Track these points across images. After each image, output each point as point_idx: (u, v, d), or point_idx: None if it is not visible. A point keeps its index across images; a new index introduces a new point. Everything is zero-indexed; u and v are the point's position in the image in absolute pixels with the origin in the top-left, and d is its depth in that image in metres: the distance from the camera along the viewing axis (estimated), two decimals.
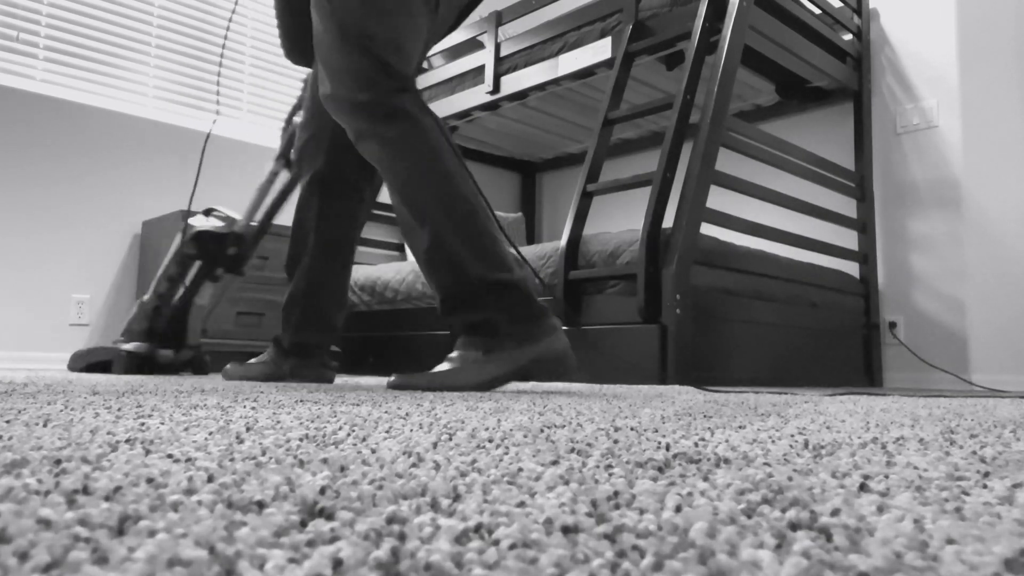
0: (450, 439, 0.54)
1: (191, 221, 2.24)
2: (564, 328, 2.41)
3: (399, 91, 1.47)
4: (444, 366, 1.43)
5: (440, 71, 3.65)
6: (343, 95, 1.48)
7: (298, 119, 2.00)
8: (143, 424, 0.59)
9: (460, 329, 1.46)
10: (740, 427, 0.71)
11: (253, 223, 2.26)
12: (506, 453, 0.47)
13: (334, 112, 1.53)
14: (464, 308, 1.43)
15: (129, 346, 2.19)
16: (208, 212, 2.29)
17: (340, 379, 2.18)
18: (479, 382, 1.39)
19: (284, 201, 2.22)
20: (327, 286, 1.81)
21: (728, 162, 2.97)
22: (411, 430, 0.60)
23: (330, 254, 1.80)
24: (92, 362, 2.29)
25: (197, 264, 2.23)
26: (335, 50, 1.48)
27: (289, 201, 2.18)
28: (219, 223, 2.25)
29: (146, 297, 2.26)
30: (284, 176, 2.21)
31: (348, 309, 1.92)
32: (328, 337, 1.85)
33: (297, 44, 1.78)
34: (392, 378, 1.43)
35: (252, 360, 1.88)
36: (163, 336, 2.22)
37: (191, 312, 2.26)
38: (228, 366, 1.86)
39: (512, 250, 1.56)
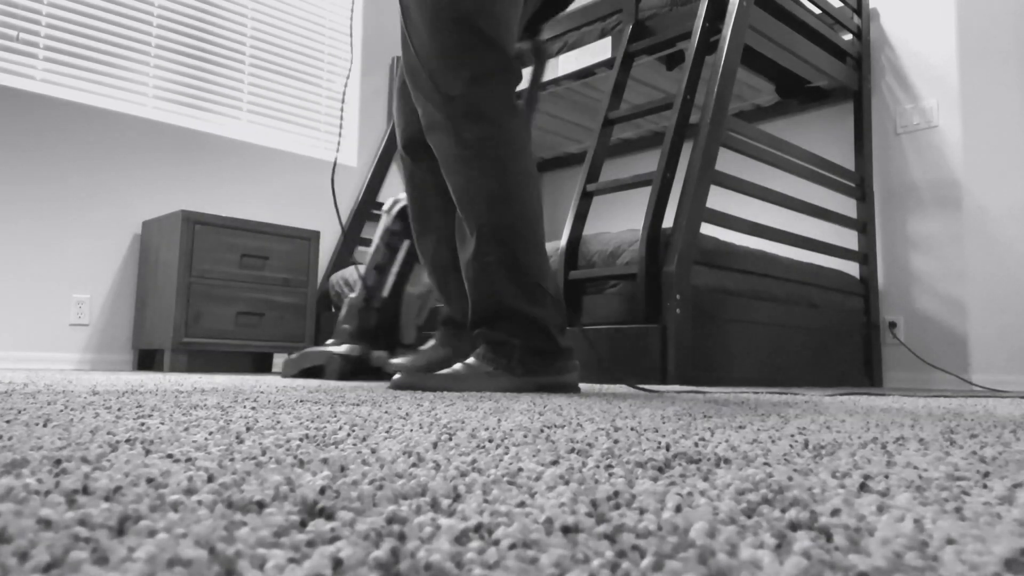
0: (450, 439, 0.54)
1: (395, 198, 2.02)
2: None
3: (489, 78, 1.40)
4: (453, 370, 1.42)
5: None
6: (427, 78, 1.41)
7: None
8: (143, 424, 0.59)
9: (478, 340, 1.45)
10: (740, 427, 0.71)
11: None
12: (506, 453, 0.47)
13: (417, 96, 1.44)
14: (489, 325, 1.43)
15: (341, 349, 2.00)
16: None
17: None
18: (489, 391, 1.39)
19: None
20: (455, 265, 1.69)
21: (728, 162, 2.97)
22: (411, 430, 0.60)
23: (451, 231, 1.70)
24: (305, 367, 2.09)
25: (406, 245, 2.01)
26: (423, 24, 1.40)
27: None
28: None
29: (354, 294, 2.08)
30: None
31: None
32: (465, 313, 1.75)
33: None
34: (397, 376, 1.40)
35: (421, 348, 1.75)
36: (376, 334, 2.02)
37: (403, 304, 2.05)
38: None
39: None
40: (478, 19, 1.40)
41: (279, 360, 3.44)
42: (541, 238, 1.43)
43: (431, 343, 1.80)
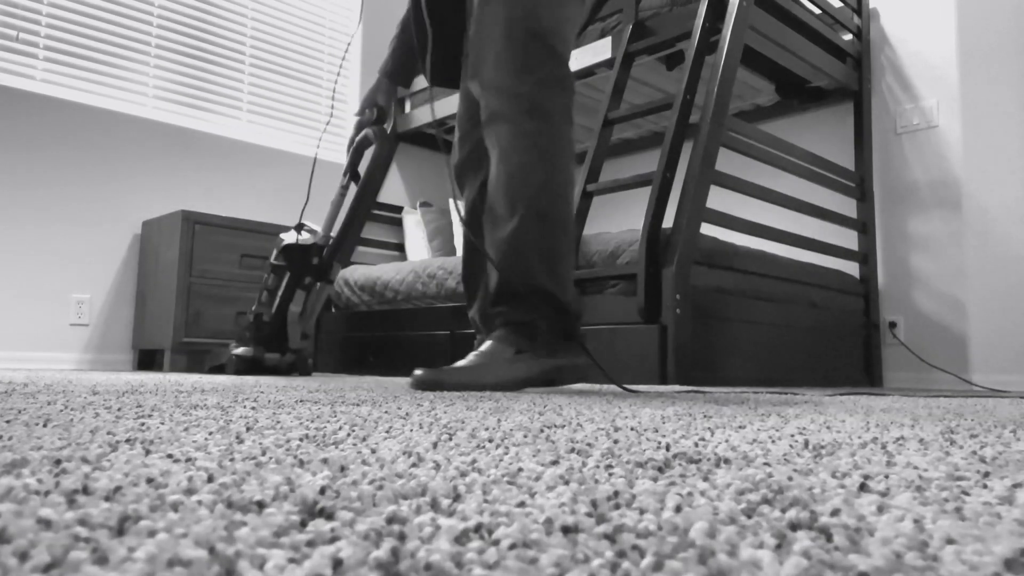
0: (450, 439, 0.54)
1: (281, 236, 2.53)
2: None
3: (553, 83, 1.49)
4: (472, 359, 1.44)
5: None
6: (499, 83, 1.48)
7: (365, 133, 2.26)
8: (143, 424, 0.59)
9: (498, 323, 1.49)
10: (740, 427, 0.71)
11: (332, 235, 2.56)
12: (506, 453, 0.47)
13: (484, 96, 1.51)
14: (514, 304, 1.46)
15: (239, 350, 2.45)
16: (299, 228, 2.55)
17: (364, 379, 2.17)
18: (508, 380, 1.41)
19: (359, 211, 2.52)
20: None
21: (728, 162, 2.97)
22: (411, 430, 0.60)
23: None
24: (213, 365, 2.54)
25: (287, 275, 2.49)
26: (498, 35, 1.49)
27: (365, 210, 2.46)
28: (307, 236, 2.52)
29: (253, 307, 2.54)
30: (353, 190, 2.50)
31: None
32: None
33: (436, 64, 1.78)
34: (417, 372, 1.40)
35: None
36: (268, 341, 2.47)
37: (289, 318, 2.50)
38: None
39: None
40: (550, 37, 1.50)
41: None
42: (572, 239, 1.50)
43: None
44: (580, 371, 1.48)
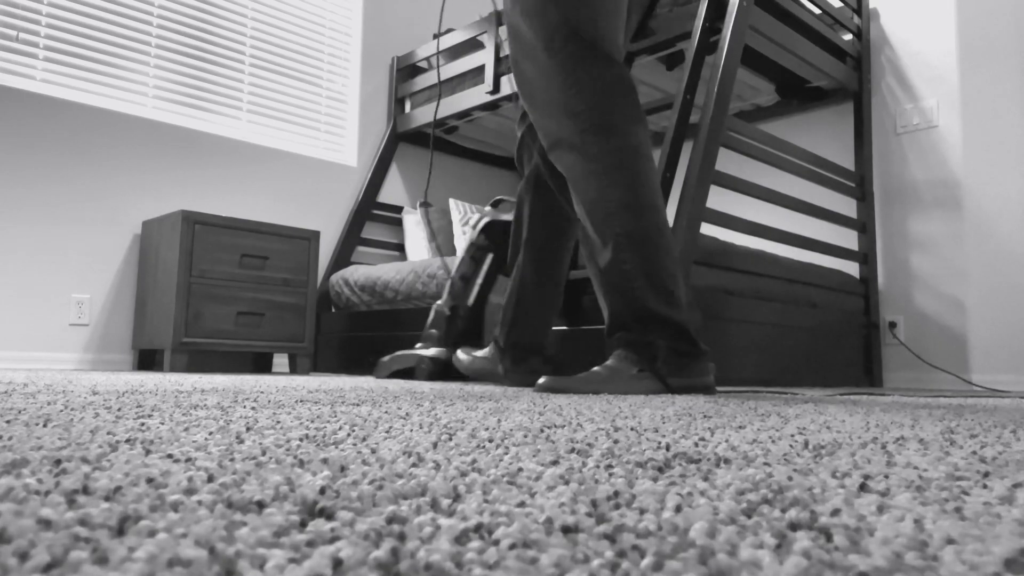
0: (450, 439, 0.54)
1: (479, 213, 2.18)
2: (563, 328, 2.41)
3: (611, 92, 1.43)
4: (597, 372, 1.43)
5: (440, 71, 3.64)
6: (549, 97, 1.44)
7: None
8: (143, 424, 0.59)
9: (617, 344, 1.46)
10: (740, 427, 0.71)
11: None
12: (506, 453, 0.47)
13: (536, 115, 1.47)
14: (629, 330, 1.44)
15: (430, 352, 2.16)
16: (496, 203, 2.23)
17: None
18: (642, 391, 1.40)
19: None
20: (540, 284, 1.77)
21: (728, 162, 2.97)
22: (411, 430, 0.60)
23: (542, 251, 1.76)
24: (396, 369, 2.27)
25: (489, 258, 2.16)
26: (539, 45, 1.43)
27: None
28: (508, 214, 2.15)
29: (440, 301, 2.22)
30: None
31: (557, 310, 1.89)
32: (541, 335, 1.80)
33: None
34: (543, 379, 1.43)
35: (478, 353, 1.85)
36: (462, 339, 2.16)
37: (487, 311, 2.19)
38: (458, 352, 1.84)
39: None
40: (591, 34, 1.43)
41: (279, 360, 3.44)
42: (672, 244, 1.46)
43: (486, 351, 1.87)
44: (703, 390, 1.45)
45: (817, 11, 2.93)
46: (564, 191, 1.66)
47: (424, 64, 3.88)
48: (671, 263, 1.44)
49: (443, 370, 2.14)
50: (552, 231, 1.77)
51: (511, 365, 1.79)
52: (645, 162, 1.44)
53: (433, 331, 2.19)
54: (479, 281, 2.16)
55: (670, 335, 1.42)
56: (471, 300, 2.16)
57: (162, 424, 0.60)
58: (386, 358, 2.33)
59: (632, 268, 1.41)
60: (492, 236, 2.15)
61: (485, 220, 2.17)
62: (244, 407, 0.82)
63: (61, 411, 0.70)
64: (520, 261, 1.79)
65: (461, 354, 1.86)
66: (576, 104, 1.42)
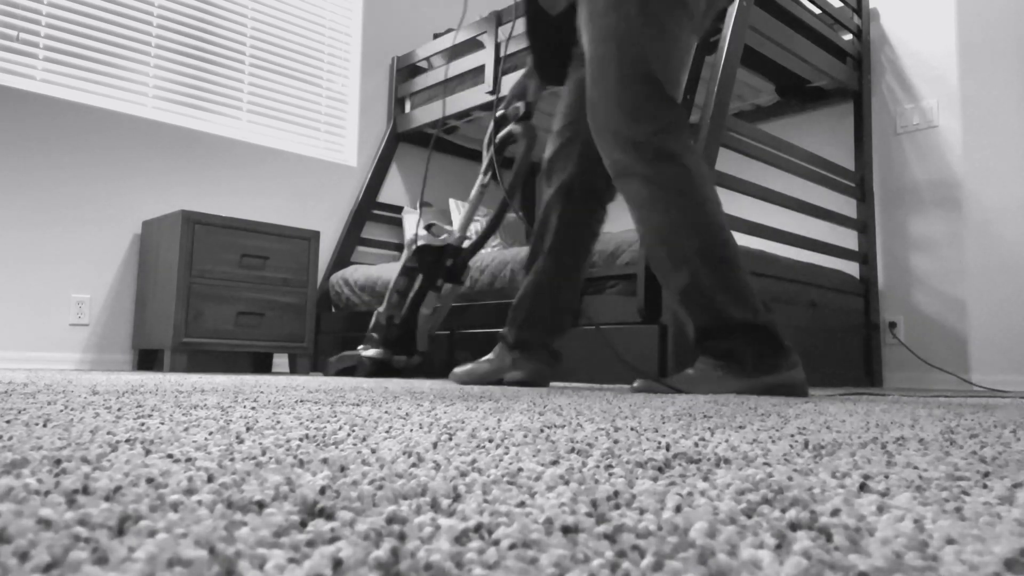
0: (450, 439, 0.54)
1: (415, 234, 2.49)
2: None
3: (671, 127, 1.52)
4: (684, 374, 1.53)
5: (440, 71, 3.65)
6: (616, 127, 1.52)
7: (511, 130, 2.17)
8: (143, 424, 0.59)
9: (702, 351, 1.55)
10: (740, 427, 0.71)
11: (468, 236, 2.50)
12: (506, 453, 0.47)
13: (603, 144, 1.55)
14: (715, 339, 1.53)
15: (370, 352, 2.47)
16: (429, 227, 2.51)
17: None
18: (732, 389, 1.48)
19: (501, 218, 2.40)
20: (558, 288, 1.85)
21: (728, 162, 2.97)
22: (411, 430, 0.60)
23: (564, 258, 1.84)
24: (341, 368, 2.55)
25: (419, 278, 2.45)
26: (611, 77, 1.52)
27: (503, 217, 2.42)
28: (444, 236, 2.48)
29: (381, 309, 2.53)
30: (492, 188, 2.32)
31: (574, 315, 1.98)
32: (552, 338, 1.88)
33: (545, 65, 1.87)
34: (637, 382, 1.54)
35: (482, 359, 1.93)
36: (396, 344, 2.47)
37: (420, 321, 2.48)
38: (455, 369, 1.95)
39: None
40: (662, 79, 1.53)
41: (279, 360, 3.44)
42: (739, 256, 1.54)
43: (488, 355, 1.93)
44: (792, 388, 1.51)
45: (817, 11, 2.93)
46: (595, 208, 1.85)
47: (424, 64, 3.88)
48: (743, 273, 1.52)
49: (380, 369, 2.47)
50: (577, 241, 1.85)
51: (520, 357, 1.85)
52: (706, 183, 1.53)
53: (374, 335, 2.51)
54: (411, 296, 2.46)
55: (757, 339, 1.50)
56: (404, 311, 2.48)
57: (162, 424, 0.60)
58: (333, 358, 2.61)
59: (711, 284, 1.49)
60: (423, 259, 2.44)
61: (420, 243, 2.45)
62: (244, 407, 0.82)
63: (61, 411, 0.70)
64: (539, 266, 1.85)
65: (458, 369, 1.92)
66: (639, 135, 1.51)
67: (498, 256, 2.80)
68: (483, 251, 3.52)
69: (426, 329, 2.51)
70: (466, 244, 2.52)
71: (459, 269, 2.48)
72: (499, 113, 2.19)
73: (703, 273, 1.49)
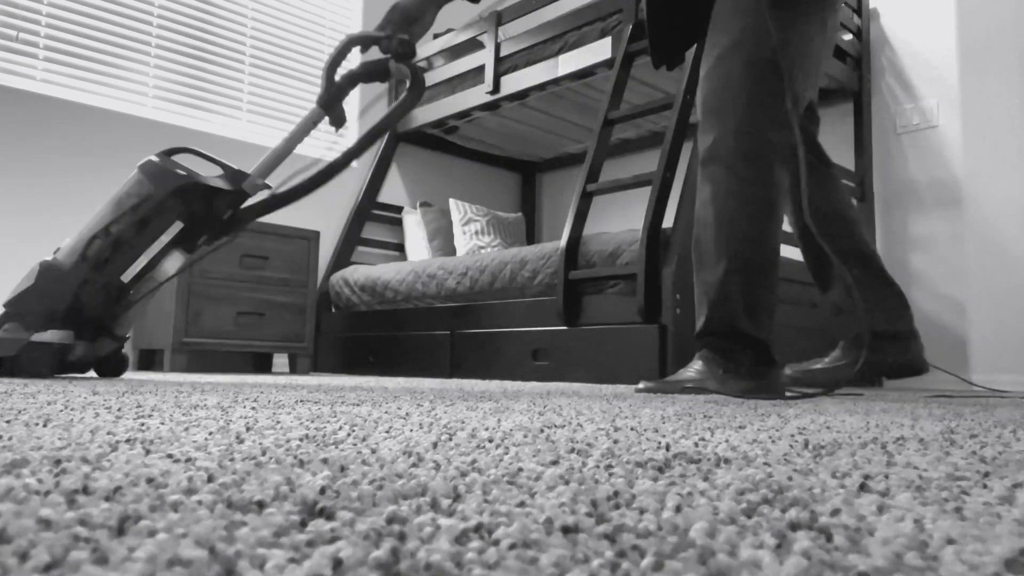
0: (450, 439, 0.54)
1: (177, 162, 1.72)
2: (564, 328, 2.41)
3: (781, 126, 1.53)
4: (690, 373, 1.58)
5: (440, 71, 3.64)
6: (727, 113, 1.52)
7: (378, 63, 1.71)
8: (143, 424, 0.59)
9: (705, 345, 1.59)
10: (740, 427, 0.71)
11: (267, 185, 1.78)
12: (506, 453, 0.47)
13: (708, 125, 1.56)
14: (717, 339, 1.57)
15: (46, 336, 1.62)
16: (171, 153, 1.76)
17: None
18: (734, 391, 1.52)
19: (334, 172, 1.80)
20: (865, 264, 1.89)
21: None
22: (411, 430, 0.60)
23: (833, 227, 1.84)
24: None
25: (176, 226, 1.69)
26: (738, 61, 1.53)
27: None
28: (213, 173, 1.75)
29: (67, 259, 1.65)
30: (317, 119, 1.77)
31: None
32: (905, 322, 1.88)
33: (660, 47, 1.81)
34: (640, 384, 1.59)
35: (819, 367, 1.89)
36: (87, 322, 1.66)
37: (138, 290, 1.70)
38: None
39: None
40: (792, 75, 1.52)
41: (279, 360, 3.44)
42: (775, 282, 1.57)
43: (834, 356, 1.94)
44: (777, 390, 1.55)
45: None
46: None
47: (424, 64, 3.88)
48: (772, 297, 1.56)
49: (49, 361, 1.68)
50: (833, 202, 1.87)
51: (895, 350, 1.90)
52: (778, 199, 1.55)
53: (41, 303, 1.67)
54: (150, 251, 1.72)
55: (754, 350, 1.55)
56: (124, 273, 1.72)
57: (162, 424, 0.60)
58: None
59: (736, 292, 1.53)
60: (189, 200, 1.71)
61: (186, 180, 1.70)
62: (244, 407, 0.82)
63: (61, 411, 0.70)
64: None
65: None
66: (746, 127, 1.51)
67: (498, 256, 2.80)
68: (483, 251, 3.52)
69: (143, 306, 1.74)
70: (261, 195, 1.80)
71: (236, 223, 1.75)
72: (364, 35, 1.70)
73: (735, 279, 1.52)
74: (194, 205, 1.70)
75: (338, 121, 1.78)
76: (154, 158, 1.72)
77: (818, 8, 1.57)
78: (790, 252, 2.97)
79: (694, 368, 1.60)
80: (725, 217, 1.53)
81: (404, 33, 1.69)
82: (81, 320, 1.65)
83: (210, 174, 1.76)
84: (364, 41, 1.71)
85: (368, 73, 1.73)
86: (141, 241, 1.67)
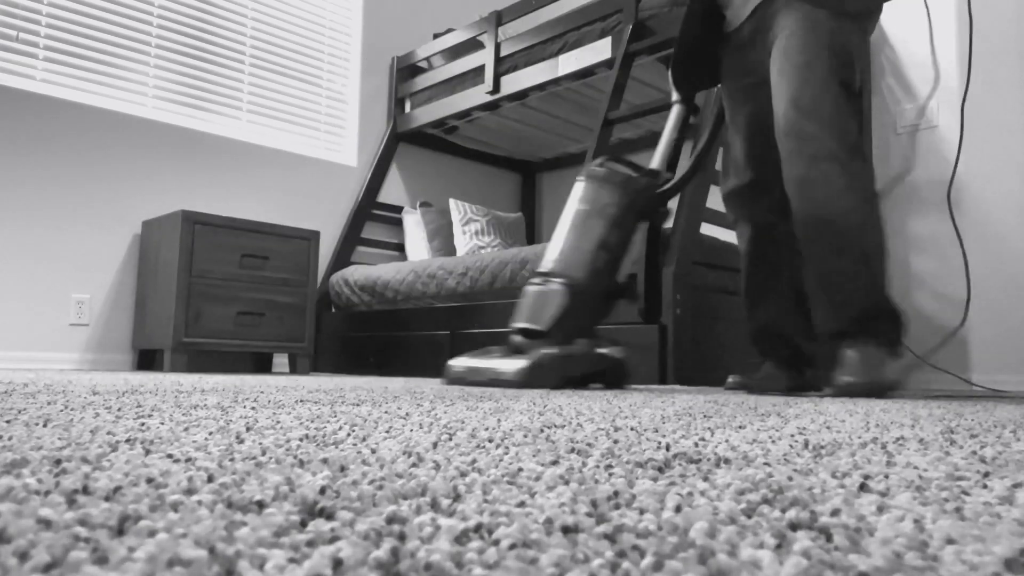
0: (450, 439, 0.54)
1: (608, 167, 1.87)
2: None
3: (861, 129, 1.75)
4: (863, 364, 1.62)
5: (440, 71, 3.64)
6: (828, 114, 1.67)
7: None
8: (143, 424, 0.59)
9: (867, 330, 1.65)
10: (740, 427, 0.71)
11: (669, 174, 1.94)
12: (506, 453, 0.47)
13: (807, 127, 1.68)
14: (877, 321, 1.66)
15: (614, 351, 1.77)
16: (604, 162, 1.93)
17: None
18: (898, 379, 1.63)
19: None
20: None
21: None
22: (411, 430, 0.60)
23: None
24: (568, 376, 1.71)
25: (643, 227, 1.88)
26: (825, 69, 1.68)
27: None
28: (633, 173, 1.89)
29: (580, 274, 1.76)
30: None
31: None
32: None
33: (687, 79, 1.98)
34: (849, 379, 1.61)
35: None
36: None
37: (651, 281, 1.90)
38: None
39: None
40: (857, 82, 1.73)
41: (279, 360, 3.44)
42: (887, 255, 1.73)
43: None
44: (908, 372, 1.67)
45: None
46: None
47: (424, 64, 3.88)
48: (885, 268, 1.72)
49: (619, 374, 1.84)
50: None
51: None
52: (875, 189, 1.75)
53: (576, 320, 1.80)
54: (637, 251, 1.92)
55: (896, 327, 1.68)
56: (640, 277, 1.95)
57: (162, 424, 0.60)
58: (546, 357, 1.71)
59: (878, 271, 1.68)
60: (649, 202, 1.87)
61: (646, 181, 1.87)
62: (244, 407, 0.82)
63: (61, 411, 0.70)
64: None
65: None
66: (847, 125, 1.67)
67: (498, 256, 2.80)
68: (483, 251, 3.52)
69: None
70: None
71: (666, 212, 1.97)
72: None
73: (875, 260, 1.66)
74: (647, 204, 1.89)
75: (694, 110, 2.06)
76: (599, 170, 1.89)
77: (873, 24, 1.84)
78: None
79: (858, 357, 1.63)
80: (849, 210, 1.65)
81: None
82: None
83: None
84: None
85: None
86: (624, 243, 1.85)
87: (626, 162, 1.93)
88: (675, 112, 2.00)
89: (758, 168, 1.89)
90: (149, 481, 0.33)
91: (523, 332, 1.79)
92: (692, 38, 1.93)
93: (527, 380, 1.60)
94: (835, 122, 1.66)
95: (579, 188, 1.89)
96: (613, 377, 1.79)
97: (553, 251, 1.86)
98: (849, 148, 1.66)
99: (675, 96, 2.02)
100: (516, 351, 1.74)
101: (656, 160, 1.93)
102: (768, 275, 1.93)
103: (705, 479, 0.38)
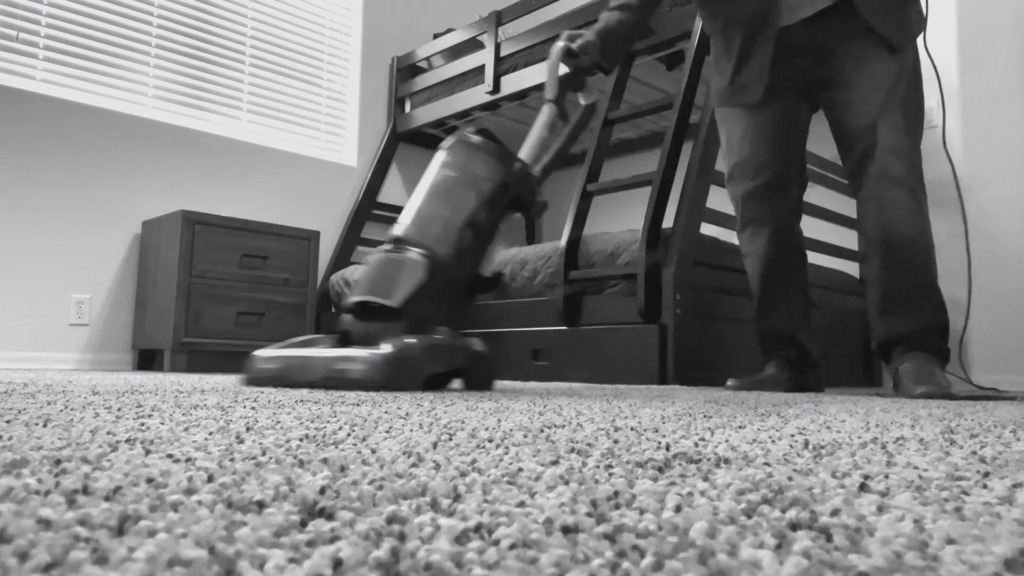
0: (450, 439, 0.54)
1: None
2: (565, 328, 2.41)
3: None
4: (926, 372, 1.73)
5: (440, 71, 3.64)
6: (907, 148, 1.79)
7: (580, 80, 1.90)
8: (143, 424, 0.59)
9: (932, 350, 1.80)
10: (740, 427, 0.71)
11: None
12: (506, 453, 0.47)
13: (894, 158, 1.78)
14: (935, 338, 1.81)
15: (477, 343, 1.49)
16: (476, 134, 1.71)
17: None
18: (949, 387, 1.71)
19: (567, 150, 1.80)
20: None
21: None
22: (411, 430, 0.60)
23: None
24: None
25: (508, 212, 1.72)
26: (911, 109, 1.80)
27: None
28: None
29: (445, 251, 1.50)
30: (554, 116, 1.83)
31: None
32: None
33: (614, 54, 2.02)
34: (923, 389, 1.68)
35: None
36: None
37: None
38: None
39: None
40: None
41: None
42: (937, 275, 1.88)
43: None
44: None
45: None
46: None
47: (424, 64, 3.88)
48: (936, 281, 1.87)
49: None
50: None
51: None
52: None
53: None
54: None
55: (940, 337, 1.83)
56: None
57: (162, 424, 0.60)
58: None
59: (938, 288, 1.82)
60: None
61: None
62: (244, 407, 0.82)
63: (61, 411, 0.70)
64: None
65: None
66: (914, 158, 1.79)
67: (498, 256, 2.80)
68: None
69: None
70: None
71: (542, 204, 1.82)
72: (575, 44, 1.85)
73: (936, 277, 1.81)
74: (523, 189, 1.65)
75: (563, 115, 1.89)
76: (475, 137, 1.62)
77: None
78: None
79: (911, 368, 1.74)
80: (922, 231, 1.78)
81: (606, 60, 1.93)
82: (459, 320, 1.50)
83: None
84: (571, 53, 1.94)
85: (570, 82, 1.88)
86: (492, 228, 1.57)
87: (498, 141, 1.70)
88: (546, 111, 1.82)
89: (780, 169, 1.92)
90: (149, 481, 0.33)
91: (364, 308, 1.44)
92: (640, 19, 2.03)
93: (389, 378, 1.27)
94: (914, 151, 1.79)
95: (446, 153, 1.63)
96: (478, 375, 1.48)
97: (409, 214, 1.54)
98: (917, 174, 1.79)
99: (548, 95, 1.86)
100: (361, 340, 1.38)
101: (524, 152, 1.72)
102: (785, 277, 1.95)
103: (705, 479, 0.38)
